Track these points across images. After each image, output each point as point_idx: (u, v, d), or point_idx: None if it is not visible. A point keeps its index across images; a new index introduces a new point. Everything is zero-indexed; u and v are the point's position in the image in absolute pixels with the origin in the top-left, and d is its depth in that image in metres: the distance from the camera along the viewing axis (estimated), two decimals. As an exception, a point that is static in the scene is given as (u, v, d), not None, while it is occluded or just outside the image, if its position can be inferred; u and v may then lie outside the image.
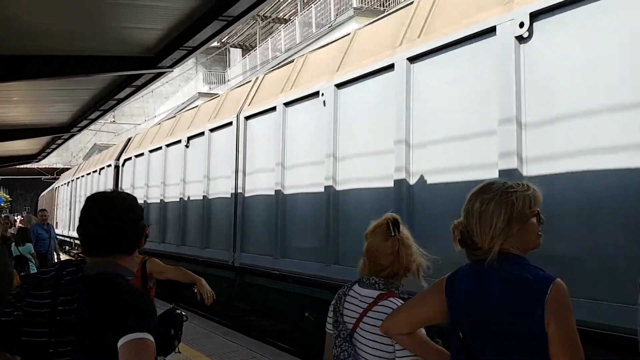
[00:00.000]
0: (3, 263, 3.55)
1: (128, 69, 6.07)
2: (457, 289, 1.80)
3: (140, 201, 2.40)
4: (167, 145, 10.74)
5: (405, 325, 1.94)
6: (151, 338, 1.56)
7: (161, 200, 10.99)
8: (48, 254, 10.36)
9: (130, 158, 13.26)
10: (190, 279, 4.03)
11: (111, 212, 1.78)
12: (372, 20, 6.42)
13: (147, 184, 11.95)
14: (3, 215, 11.96)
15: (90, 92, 7.62)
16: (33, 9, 4.42)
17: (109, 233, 1.75)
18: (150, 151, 11.80)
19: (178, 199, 10.09)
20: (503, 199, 1.72)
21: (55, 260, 10.65)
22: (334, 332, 2.20)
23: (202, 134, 9.12)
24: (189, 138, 9.82)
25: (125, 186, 13.09)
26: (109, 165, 14.69)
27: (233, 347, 6.48)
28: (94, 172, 16.31)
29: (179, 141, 10.18)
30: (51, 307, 1.66)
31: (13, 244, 8.81)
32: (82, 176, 18.19)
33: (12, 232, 10.26)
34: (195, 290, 3.88)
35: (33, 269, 8.18)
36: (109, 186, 14.11)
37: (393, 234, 2.15)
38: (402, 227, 2.19)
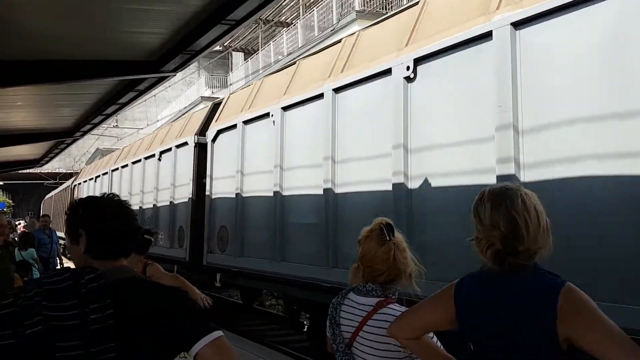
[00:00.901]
0: (5, 268, 3.53)
1: (131, 74, 6.05)
2: (467, 299, 1.76)
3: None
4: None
5: (412, 330, 1.91)
6: (222, 334, 1.62)
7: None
8: (50, 258, 10.39)
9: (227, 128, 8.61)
10: (183, 287, 3.98)
11: (116, 214, 1.78)
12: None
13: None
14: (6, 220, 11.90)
15: (94, 97, 7.61)
16: (37, 14, 4.42)
17: (120, 237, 1.77)
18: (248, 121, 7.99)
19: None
20: (537, 200, 1.70)
21: (58, 266, 10.66)
22: (333, 345, 2.16)
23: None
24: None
25: (218, 174, 8.81)
26: (184, 144, 10.08)
27: (237, 352, 6.44)
28: (149, 157, 11.95)
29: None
30: (80, 318, 1.58)
31: (16, 248, 8.80)
32: (124, 166, 13.87)
33: (14, 237, 10.25)
34: None
35: (36, 274, 8.18)
36: (184, 174, 9.98)
37: (388, 238, 2.13)
38: (396, 231, 2.18)
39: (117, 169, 14.53)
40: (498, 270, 1.66)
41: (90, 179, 17.94)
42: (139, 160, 12.61)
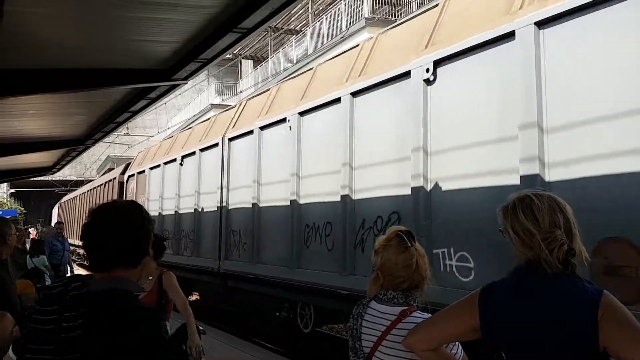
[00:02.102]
0: (1, 280, 3.49)
1: (143, 82, 6.09)
2: (498, 307, 1.69)
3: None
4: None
5: (430, 341, 1.85)
6: None
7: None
8: (61, 265, 10.46)
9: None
10: (187, 318, 3.87)
11: (106, 224, 1.70)
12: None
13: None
14: (18, 227, 12.02)
15: (106, 105, 7.67)
16: (50, 23, 4.46)
17: (107, 246, 1.67)
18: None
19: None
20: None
21: (69, 273, 10.71)
22: (352, 356, 2.12)
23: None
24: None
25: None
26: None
27: (244, 357, 6.45)
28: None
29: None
30: (55, 324, 1.60)
31: (28, 255, 8.87)
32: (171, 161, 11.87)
33: (23, 245, 10.35)
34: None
35: (48, 281, 8.22)
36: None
37: (410, 245, 2.12)
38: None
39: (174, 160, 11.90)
40: (551, 273, 1.62)
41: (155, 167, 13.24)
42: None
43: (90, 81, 5.81)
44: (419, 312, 2.07)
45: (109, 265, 1.68)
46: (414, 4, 20.88)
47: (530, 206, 1.67)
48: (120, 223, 1.70)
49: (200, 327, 3.87)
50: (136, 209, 1.79)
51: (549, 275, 1.62)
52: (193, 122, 31.38)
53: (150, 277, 3.85)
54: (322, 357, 7.26)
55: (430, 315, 1.99)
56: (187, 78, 5.96)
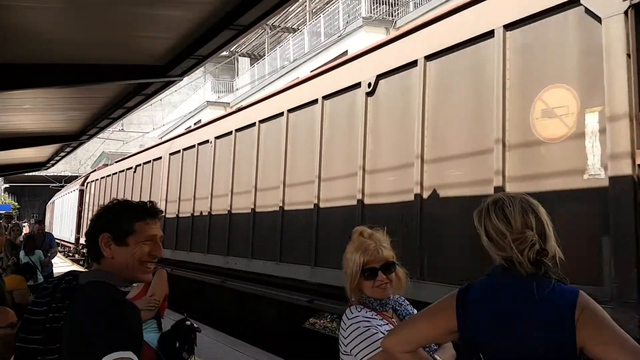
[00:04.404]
0: None
1: (139, 78, 6.06)
2: (477, 307, 1.71)
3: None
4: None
5: (408, 343, 1.85)
6: (133, 357, 1.52)
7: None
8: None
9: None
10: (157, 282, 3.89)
11: (91, 221, 1.86)
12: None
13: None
14: (12, 222, 11.98)
15: (101, 101, 7.63)
16: (45, 19, 4.43)
17: (87, 242, 1.83)
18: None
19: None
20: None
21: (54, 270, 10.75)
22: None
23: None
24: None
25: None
26: None
27: (240, 357, 6.44)
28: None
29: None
30: (44, 315, 1.67)
31: (22, 251, 8.82)
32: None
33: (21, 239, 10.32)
34: None
35: (41, 278, 8.18)
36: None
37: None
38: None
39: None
40: (525, 274, 1.63)
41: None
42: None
43: (86, 77, 5.78)
44: (355, 307, 2.17)
45: (93, 260, 1.80)
46: (411, 4, 20.87)
47: (502, 208, 1.70)
48: (95, 221, 1.83)
49: (195, 325, 3.85)
50: (107, 208, 1.87)
51: (523, 276, 1.63)
52: (189, 119, 31.36)
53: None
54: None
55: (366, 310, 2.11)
56: (182, 74, 5.94)
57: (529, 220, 1.66)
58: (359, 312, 2.14)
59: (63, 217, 26.84)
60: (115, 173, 15.90)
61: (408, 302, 2.31)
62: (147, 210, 1.88)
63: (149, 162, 13.17)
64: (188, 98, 36.39)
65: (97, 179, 18.46)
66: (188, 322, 3.79)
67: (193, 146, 10.81)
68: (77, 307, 1.63)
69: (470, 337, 1.70)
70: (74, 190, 23.49)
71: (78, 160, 40.53)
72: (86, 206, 20.52)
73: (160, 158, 12.50)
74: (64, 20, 4.58)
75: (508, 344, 1.63)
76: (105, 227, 1.81)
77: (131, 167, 14.28)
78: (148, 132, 29.99)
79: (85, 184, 21.32)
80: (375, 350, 1.99)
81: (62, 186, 34.90)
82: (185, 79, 6.89)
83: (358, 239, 2.22)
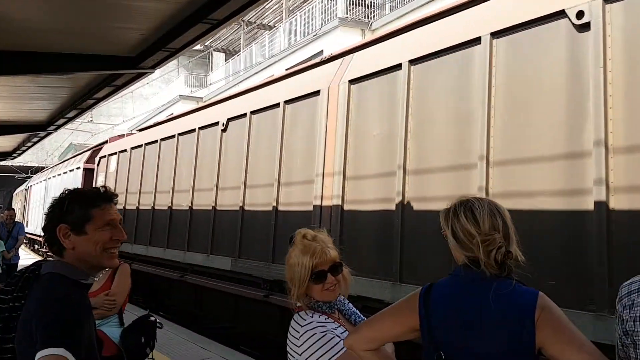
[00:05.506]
0: None
1: (109, 69, 5.96)
2: (439, 306, 1.74)
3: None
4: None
5: (370, 341, 1.87)
6: (65, 353, 1.50)
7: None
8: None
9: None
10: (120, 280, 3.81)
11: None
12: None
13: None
14: (-24, 213, 11.78)
15: (70, 91, 7.48)
16: (12, 4, 4.32)
17: (45, 233, 1.83)
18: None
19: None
20: None
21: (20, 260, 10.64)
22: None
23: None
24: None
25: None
26: None
27: (205, 355, 6.39)
28: None
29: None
30: (7, 304, 1.68)
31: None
32: None
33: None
34: None
35: (4, 267, 8.06)
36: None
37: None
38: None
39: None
40: (489, 275, 1.67)
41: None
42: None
43: (54, 65, 5.65)
44: (305, 312, 2.12)
45: (55, 253, 1.81)
46: (387, 6, 21.01)
47: (471, 209, 1.73)
48: (49, 214, 1.85)
49: (158, 320, 3.82)
50: (59, 200, 1.86)
51: (487, 276, 1.67)
52: (161, 112, 30.98)
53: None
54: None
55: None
56: (154, 67, 5.85)
57: (497, 223, 1.70)
58: (311, 317, 2.08)
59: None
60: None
61: (348, 301, 2.27)
62: (101, 196, 1.87)
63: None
64: (160, 91, 35.94)
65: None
66: (152, 318, 3.77)
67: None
68: (31, 299, 1.64)
69: (432, 336, 1.72)
70: (71, 171, 18.16)
71: (45, 151, 39.67)
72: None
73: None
74: (32, 7, 4.47)
75: (469, 343, 1.66)
76: (61, 219, 1.80)
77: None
78: (118, 125, 29.52)
79: (99, 159, 14.55)
80: (335, 355, 1.96)
81: (29, 177, 34.09)
82: (158, 72, 6.82)
83: (302, 242, 2.14)
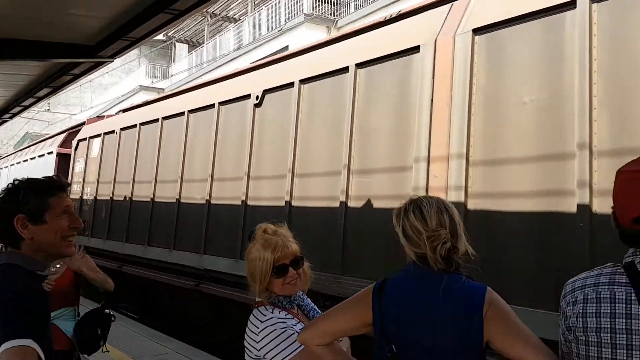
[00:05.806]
0: None
1: (66, 57, 5.81)
2: (391, 301, 1.78)
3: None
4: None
5: (323, 335, 1.90)
6: (32, 344, 1.50)
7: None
8: None
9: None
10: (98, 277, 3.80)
11: None
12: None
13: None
14: None
15: (26, 78, 7.26)
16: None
17: None
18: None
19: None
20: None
21: None
22: None
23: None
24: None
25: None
26: None
27: (161, 350, 6.32)
28: None
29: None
30: None
31: None
32: None
33: None
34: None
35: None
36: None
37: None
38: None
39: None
40: (437, 270, 1.72)
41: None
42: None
43: (9, 52, 5.48)
44: (264, 307, 2.12)
45: (10, 244, 1.79)
46: (352, 4, 21.11)
47: (419, 207, 1.79)
48: (3, 204, 1.82)
49: (112, 313, 3.77)
50: (13, 189, 1.83)
51: (435, 271, 1.73)
52: (120, 102, 30.37)
53: (62, 262, 3.70)
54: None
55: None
56: (113, 56, 5.74)
57: (444, 220, 1.76)
58: (271, 313, 2.07)
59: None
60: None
61: (307, 296, 2.28)
62: (57, 184, 1.90)
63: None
64: (120, 81, 35.22)
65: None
66: (107, 311, 3.72)
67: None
68: None
69: (385, 331, 1.77)
70: (40, 156, 15.24)
71: (0, 140, 38.44)
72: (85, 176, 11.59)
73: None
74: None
75: (419, 336, 1.71)
76: (18, 209, 1.78)
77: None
78: (75, 114, 28.80)
79: (77, 143, 12.33)
80: (294, 351, 1.97)
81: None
82: (118, 61, 6.69)
83: (262, 236, 2.14)
